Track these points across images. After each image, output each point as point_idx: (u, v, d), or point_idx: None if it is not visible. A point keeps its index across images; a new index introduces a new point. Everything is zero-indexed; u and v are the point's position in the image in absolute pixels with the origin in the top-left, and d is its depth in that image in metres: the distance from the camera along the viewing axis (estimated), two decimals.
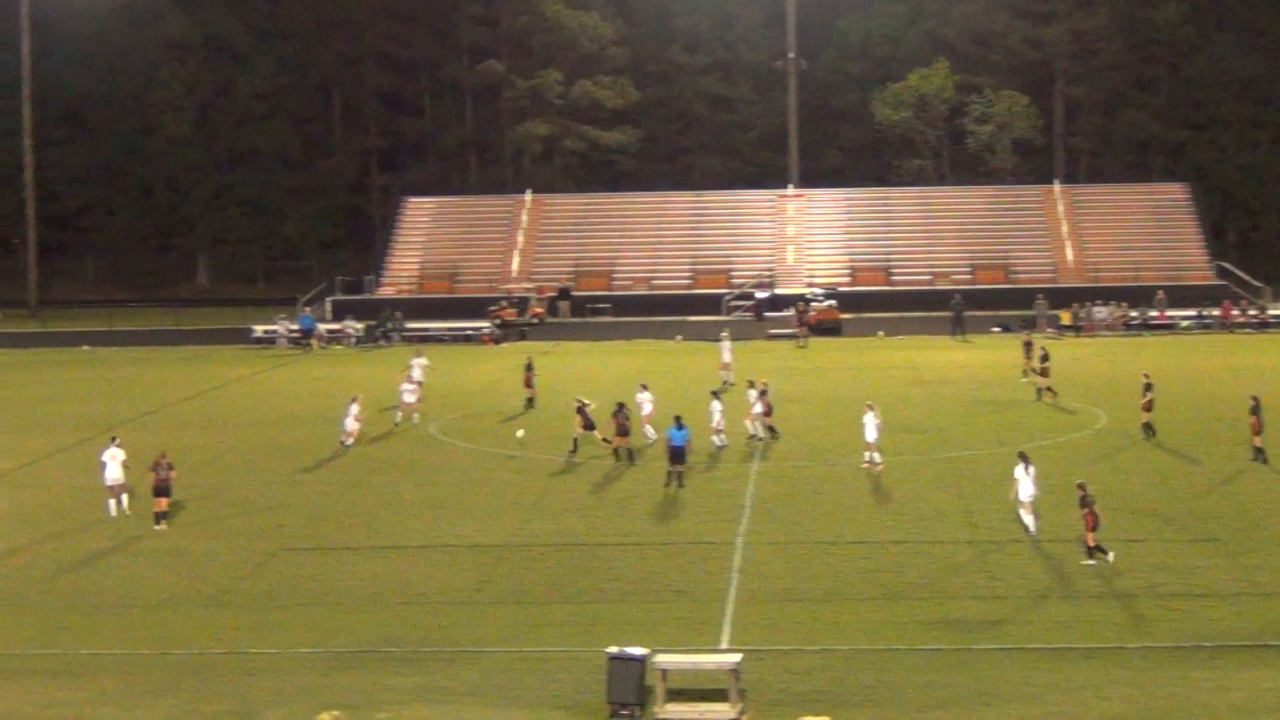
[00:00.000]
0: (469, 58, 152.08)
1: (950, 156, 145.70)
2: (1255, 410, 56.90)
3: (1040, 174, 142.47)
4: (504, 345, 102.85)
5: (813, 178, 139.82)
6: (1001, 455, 59.11)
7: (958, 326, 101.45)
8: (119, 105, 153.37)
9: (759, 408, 63.43)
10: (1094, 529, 44.16)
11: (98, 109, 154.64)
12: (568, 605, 41.41)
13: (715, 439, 61.65)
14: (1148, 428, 62.34)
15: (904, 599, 41.26)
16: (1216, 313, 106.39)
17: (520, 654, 37.41)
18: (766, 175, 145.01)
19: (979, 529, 48.26)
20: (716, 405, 62.42)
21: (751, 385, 64.82)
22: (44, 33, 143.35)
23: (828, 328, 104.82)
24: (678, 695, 33.56)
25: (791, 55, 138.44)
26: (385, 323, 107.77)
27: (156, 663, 37.38)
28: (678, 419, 55.83)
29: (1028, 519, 47.44)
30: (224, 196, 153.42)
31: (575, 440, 61.23)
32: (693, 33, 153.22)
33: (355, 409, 64.28)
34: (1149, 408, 62.47)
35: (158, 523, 50.76)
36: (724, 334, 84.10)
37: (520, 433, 63.97)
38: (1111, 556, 43.71)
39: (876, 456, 57.63)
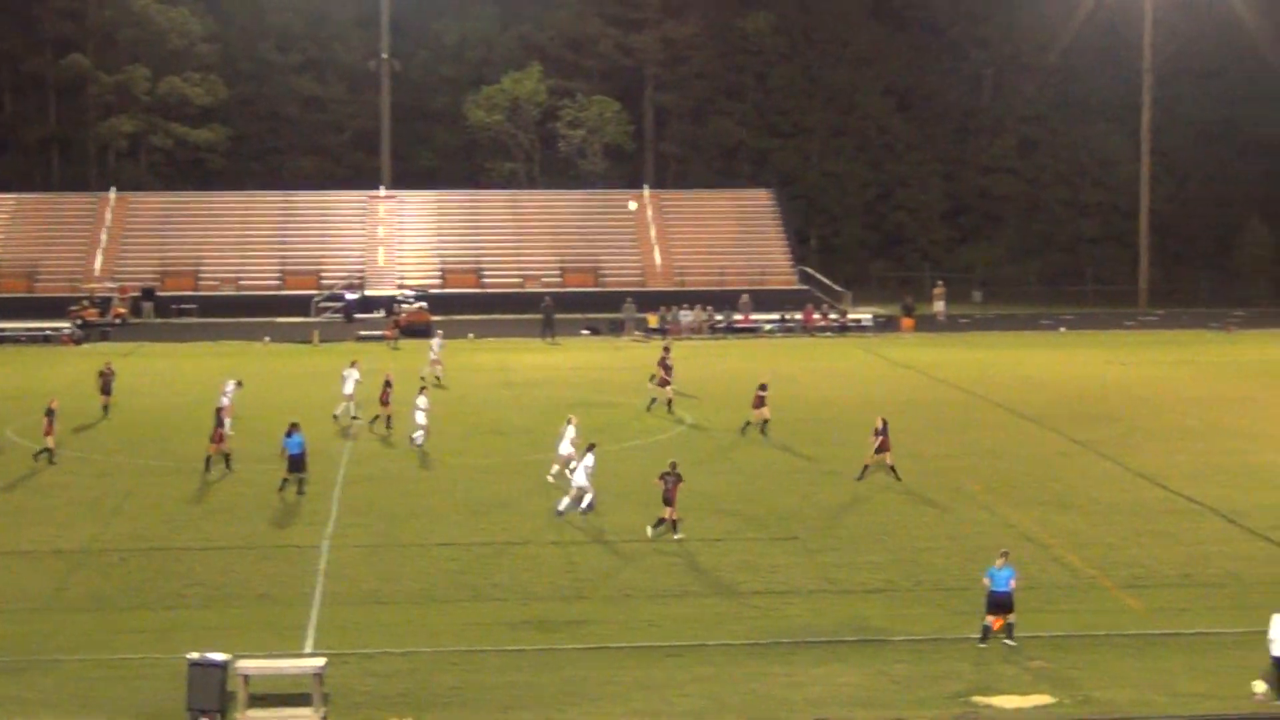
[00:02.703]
0: (52, 51, 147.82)
1: (542, 160, 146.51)
2: (881, 431, 56.19)
3: (630, 179, 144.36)
4: (85, 346, 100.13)
5: (405, 179, 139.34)
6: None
7: (548, 329, 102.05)
8: None
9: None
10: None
11: None
12: (149, 611, 40.57)
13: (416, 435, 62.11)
14: (748, 425, 64.24)
15: (490, 600, 41.37)
16: (799, 317, 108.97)
17: (99, 661, 36.47)
18: (358, 176, 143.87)
19: (565, 530, 48.63)
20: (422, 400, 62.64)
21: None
22: None
23: (418, 329, 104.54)
24: (260, 701, 33.15)
25: (385, 56, 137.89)
26: None
27: None
28: (293, 426, 55.03)
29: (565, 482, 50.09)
30: None
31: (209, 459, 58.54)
32: (285, 31, 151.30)
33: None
34: (760, 404, 64.26)
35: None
36: (439, 332, 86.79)
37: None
38: (650, 531, 47.03)
39: (557, 469, 55.86)
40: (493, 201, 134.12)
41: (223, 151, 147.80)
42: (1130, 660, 36.68)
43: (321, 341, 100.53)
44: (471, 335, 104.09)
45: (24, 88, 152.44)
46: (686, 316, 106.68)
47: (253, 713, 32.77)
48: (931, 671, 35.84)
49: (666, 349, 77.14)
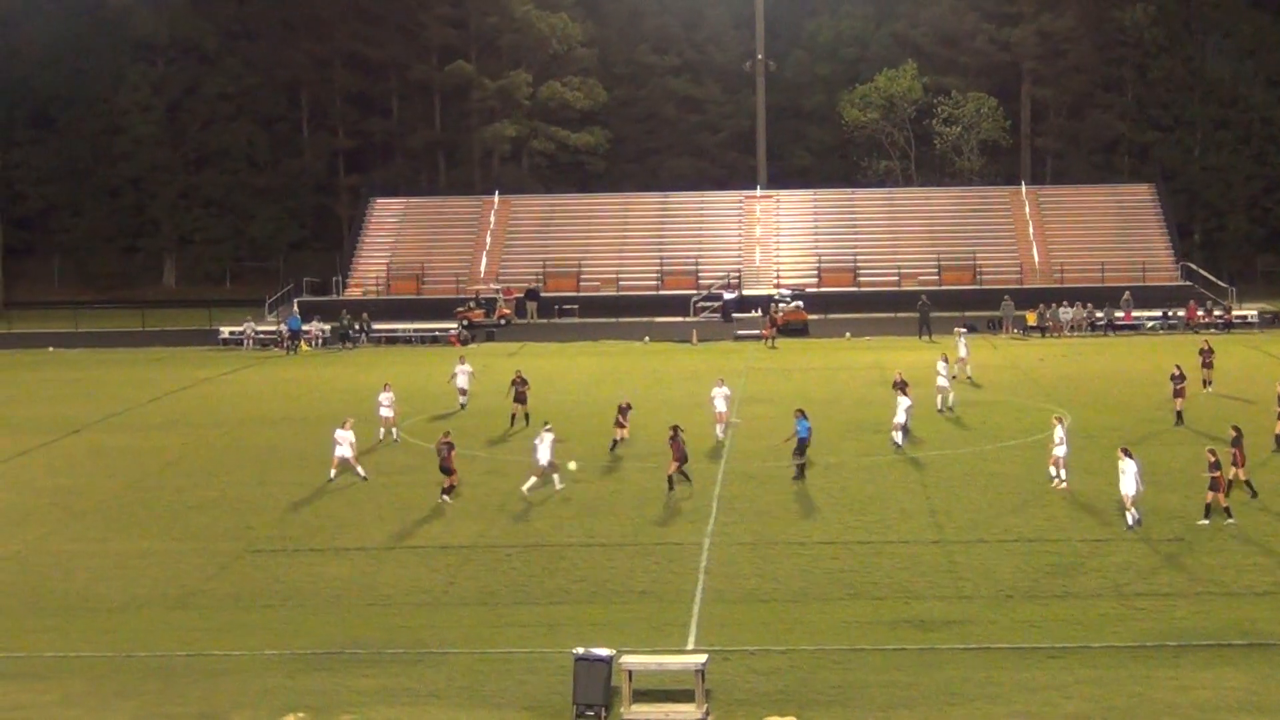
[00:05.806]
0: (437, 58, 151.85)
1: (917, 157, 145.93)
2: (1236, 442, 52.38)
3: (1007, 175, 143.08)
4: (471, 346, 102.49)
5: (780, 178, 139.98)
6: (966, 456, 59.41)
7: (924, 327, 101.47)
8: (86, 106, 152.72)
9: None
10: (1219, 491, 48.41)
11: (64, 109, 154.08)
12: (534, 606, 41.34)
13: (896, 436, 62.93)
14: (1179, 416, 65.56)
15: (870, 599, 41.28)
16: (1182, 313, 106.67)
17: (486, 655, 37.30)
18: (734, 176, 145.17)
19: (944, 529, 48.35)
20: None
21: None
22: (10, 32, 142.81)
23: (795, 328, 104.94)
24: (644, 696, 33.52)
25: (760, 56, 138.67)
26: (352, 324, 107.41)
27: (122, 665, 37.19)
28: (800, 411, 57.08)
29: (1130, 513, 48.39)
30: (191, 197, 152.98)
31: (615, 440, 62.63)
32: (661, 34, 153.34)
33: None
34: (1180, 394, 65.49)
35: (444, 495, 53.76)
36: (961, 330, 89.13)
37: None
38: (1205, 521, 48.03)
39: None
40: (868, 200, 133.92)
41: (602, 154, 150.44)
42: None
43: (700, 341, 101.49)
44: (848, 334, 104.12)
45: (410, 94, 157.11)
46: (1066, 314, 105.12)
47: (638, 708, 33.16)
48: None
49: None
